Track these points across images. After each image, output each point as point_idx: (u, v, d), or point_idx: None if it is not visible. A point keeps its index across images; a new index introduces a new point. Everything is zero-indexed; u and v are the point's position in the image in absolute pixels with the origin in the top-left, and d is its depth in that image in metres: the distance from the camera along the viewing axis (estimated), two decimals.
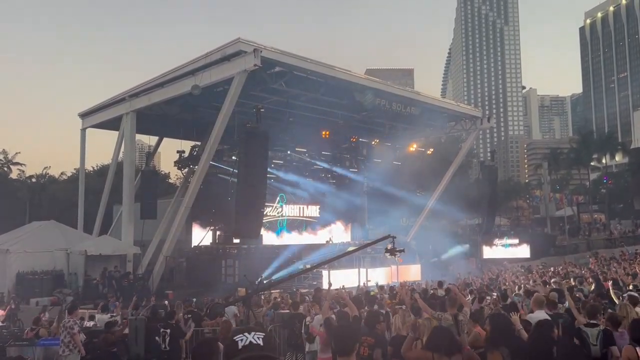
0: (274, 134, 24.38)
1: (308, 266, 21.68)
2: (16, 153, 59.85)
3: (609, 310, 8.23)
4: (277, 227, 32.51)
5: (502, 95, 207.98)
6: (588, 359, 6.19)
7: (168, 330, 9.59)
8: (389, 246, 10.81)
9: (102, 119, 29.41)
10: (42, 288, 21.16)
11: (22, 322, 15.34)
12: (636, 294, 9.02)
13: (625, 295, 9.81)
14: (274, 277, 21.87)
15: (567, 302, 8.93)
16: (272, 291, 19.45)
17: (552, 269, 26.42)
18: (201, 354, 3.09)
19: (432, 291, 14.97)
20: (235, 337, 2.11)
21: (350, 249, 24.40)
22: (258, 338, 2.10)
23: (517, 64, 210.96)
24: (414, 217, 36.47)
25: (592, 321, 6.73)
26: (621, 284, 13.33)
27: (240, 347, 2.08)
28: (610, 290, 11.40)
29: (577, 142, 64.69)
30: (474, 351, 5.16)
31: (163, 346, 9.48)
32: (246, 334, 2.11)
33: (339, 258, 17.50)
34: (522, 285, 16.02)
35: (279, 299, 16.79)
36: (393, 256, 11.06)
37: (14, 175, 60.16)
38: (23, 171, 60.18)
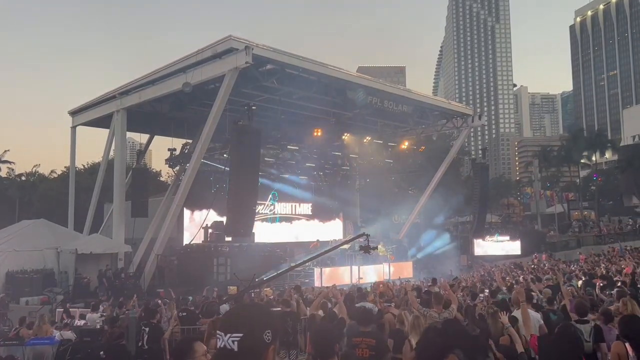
0: (266, 132, 24.34)
1: (292, 264, 21.66)
2: (5, 151, 59.43)
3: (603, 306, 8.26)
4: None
5: (493, 93, 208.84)
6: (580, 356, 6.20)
7: (147, 329, 9.53)
8: (375, 244, 10.87)
9: (92, 117, 29.21)
10: (32, 287, 20.98)
11: (12, 322, 15.22)
12: (623, 289, 9.10)
13: (613, 292, 9.86)
14: (264, 276, 21.85)
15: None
16: (265, 289, 19.46)
17: (544, 265, 26.62)
18: (177, 351, 3.18)
19: (426, 288, 15.02)
20: (217, 333, 1.90)
21: (346, 246, 24.38)
22: (233, 342, 1.84)
23: (508, 61, 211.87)
24: (405, 214, 36.58)
25: (582, 318, 6.76)
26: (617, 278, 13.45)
27: (218, 345, 1.88)
28: (597, 288, 11.49)
29: (567, 139, 65.09)
30: None
31: (140, 343, 9.44)
32: (223, 334, 1.87)
33: (318, 257, 17.53)
34: (510, 282, 16.09)
35: (271, 297, 16.79)
36: (367, 253, 11.16)
37: (3, 173, 59.74)
38: (12, 169, 59.77)
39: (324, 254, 17.15)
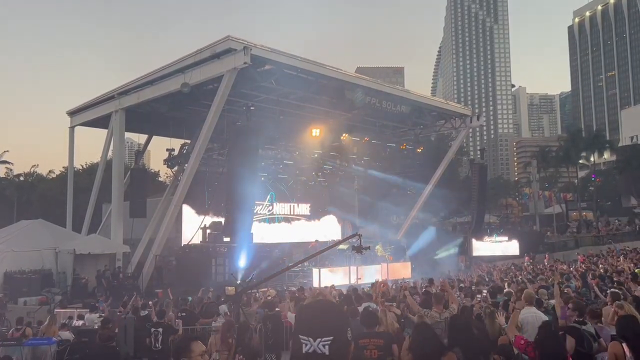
0: (264, 132, 24.31)
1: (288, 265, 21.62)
2: (4, 151, 59.47)
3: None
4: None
5: (492, 93, 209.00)
6: (585, 357, 6.19)
7: (160, 330, 9.56)
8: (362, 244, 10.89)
9: (91, 117, 29.16)
10: (30, 287, 20.93)
11: (10, 322, 15.21)
12: (617, 291, 9.12)
13: (608, 291, 9.88)
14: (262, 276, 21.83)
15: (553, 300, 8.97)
16: (269, 289, 19.45)
17: (540, 265, 26.65)
18: (175, 349, 3.32)
19: (424, 289, 15.03)
20: (301, 337, 1.90)
21: (341, 246, 24.33)
22: (324, 346, 1.86)
23: (507, 62, 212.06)
24: (404, 215, 36.58)
25: (581, 319, 6.76)
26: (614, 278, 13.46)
27: (303, 351, 1.88)
28: (595, 287, 11.51)
29: (565, 140, 65.14)
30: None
31: (156, 345, 9.47)
32: (311, 339, 1.87)
33: (311, 258, 17.52)
34: (510, 283, 16.12)
35: (269, 297, 16.78)
36: (360, 253, 11.17)
37: (1, 173, 59.85)
38: (11, 169, 59.77)
39: (317, 254, 17.18)
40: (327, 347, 1.86)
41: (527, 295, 8.01)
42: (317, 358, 1.86)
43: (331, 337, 1.88)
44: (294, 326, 2.07)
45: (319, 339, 1.87)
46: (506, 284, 16.21)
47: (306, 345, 1.88)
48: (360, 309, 8.38)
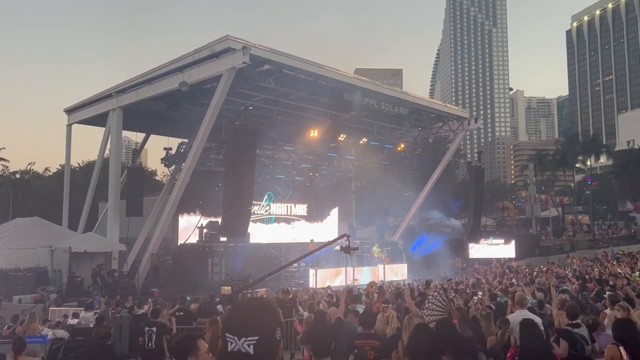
0: (262, 132, 24.28)
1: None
2: (0, 148, 59.25)
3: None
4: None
5: (490, 96, 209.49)
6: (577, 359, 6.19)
7: (154, 329, 9.55)
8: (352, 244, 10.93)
9: (88, 115, 29.07)
10: (25, 285, 20.89)
11: (4, 320, 15.14)
12: (613, 293, 9.14)
13: (605, 295, 9.89)
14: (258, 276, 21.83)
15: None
16: (259, 289, 19.42)
17: (536, 268, 26.69)
18: (180, 347, 3.21)
19: (421, 290, 15.03)
20: (227, 335, 1.90)
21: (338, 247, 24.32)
22: (248, 345, 1.86)
23: (505, 65, 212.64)
24: (401, 216, 36.59)
25: (574, 321, 6.76)
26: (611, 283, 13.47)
27: (229, 349, 1.88)
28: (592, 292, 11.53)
29: (562, 144, 65.43)
30: None
31: (149, 345, 9.45)
32: (236, 338, 1.88)
33: (302, 259, 17.55)
34: (505, 286, 16.12)
35: (265, 297, 16.77)
36: (348, 254, 11.22)
37: None
38: (7, 167, 59.54)
39: (307, 255, 17.24)
40: (251, 346, 1.86)
41: (519, 298, 7.99)
42: (241, 357, 1.86)
43: (257, 337, 1.87)
44: (222, 324, 2.06)
45: (244, 339, 1.87)
46: (502, 287, 16.22)
47: (231, 343, 1.87)
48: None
